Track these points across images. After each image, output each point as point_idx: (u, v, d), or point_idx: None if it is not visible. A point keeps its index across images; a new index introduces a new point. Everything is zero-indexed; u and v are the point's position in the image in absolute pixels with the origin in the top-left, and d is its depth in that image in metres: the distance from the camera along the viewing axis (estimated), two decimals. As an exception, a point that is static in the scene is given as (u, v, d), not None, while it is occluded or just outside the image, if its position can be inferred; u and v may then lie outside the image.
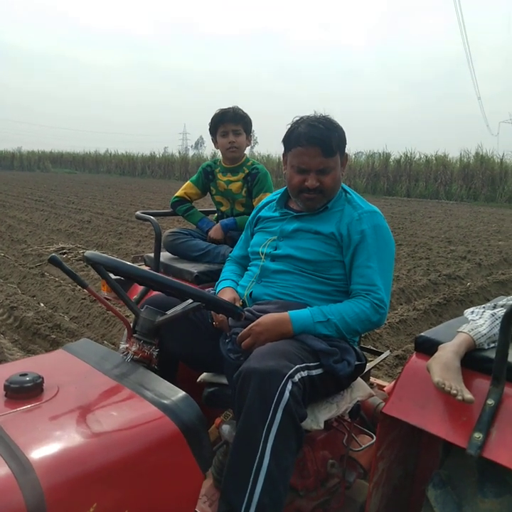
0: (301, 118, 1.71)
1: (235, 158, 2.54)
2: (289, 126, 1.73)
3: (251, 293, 1.74)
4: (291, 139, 1.70)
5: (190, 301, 1.35)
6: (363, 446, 1.73)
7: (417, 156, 23.58)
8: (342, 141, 1.71)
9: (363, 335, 4.00)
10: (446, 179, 22.09)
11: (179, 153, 38.01)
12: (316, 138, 1.63)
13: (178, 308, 1.34)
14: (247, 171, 2.52)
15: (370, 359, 2.22)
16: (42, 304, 4.99)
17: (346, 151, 1.77)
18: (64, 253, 7.15)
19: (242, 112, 2.51)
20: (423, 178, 22.67)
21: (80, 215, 11.28)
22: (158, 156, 35.52)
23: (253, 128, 2.60)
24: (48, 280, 5.71)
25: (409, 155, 23.51)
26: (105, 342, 4.03)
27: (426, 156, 23.39)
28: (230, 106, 2.51)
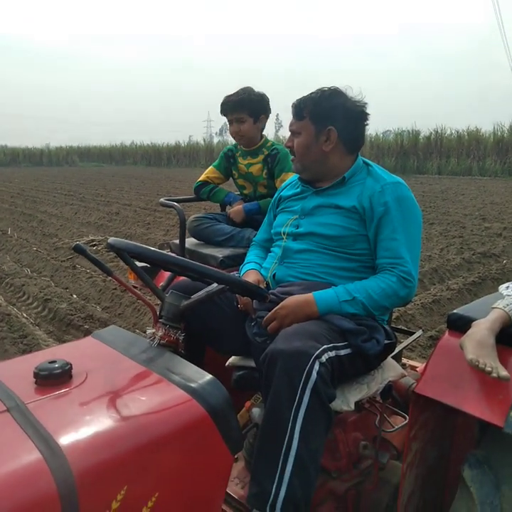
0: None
1: (248, 144, 2.50)
2: None
3: (274, 275, 1.72)
4: None
5: (215, 284, 1.34)
6: (396, 427, 1.70)
7: (448, 132, 22.92)
8: (320, 110, 1.65)
9: (394, 315, 3.97)
10: (480, 154, 21.42)
11: (204, 140, 38.02)
12: (295, 101, 1.70)
13: (203, 292, 1.34)
14: (266, 153, 2.48)
15: (401, 340, 2.18)
16: (74, 296, 5.10)
17: (332, 127, 1.64)
18: (94, 245, 7.28)
19: (247, 95, 2.39)
20: (455, 155, 22.03)
21: (109, 207, 11.45)
22: (183, 145, 35.62)
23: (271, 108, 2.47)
24: (80, 272, 5.83)
25: (439, 131, 22.85)
26: (137, 330, 4.09)
27: (457, 132, 22.70)
28: (241, 88, 2.41)
